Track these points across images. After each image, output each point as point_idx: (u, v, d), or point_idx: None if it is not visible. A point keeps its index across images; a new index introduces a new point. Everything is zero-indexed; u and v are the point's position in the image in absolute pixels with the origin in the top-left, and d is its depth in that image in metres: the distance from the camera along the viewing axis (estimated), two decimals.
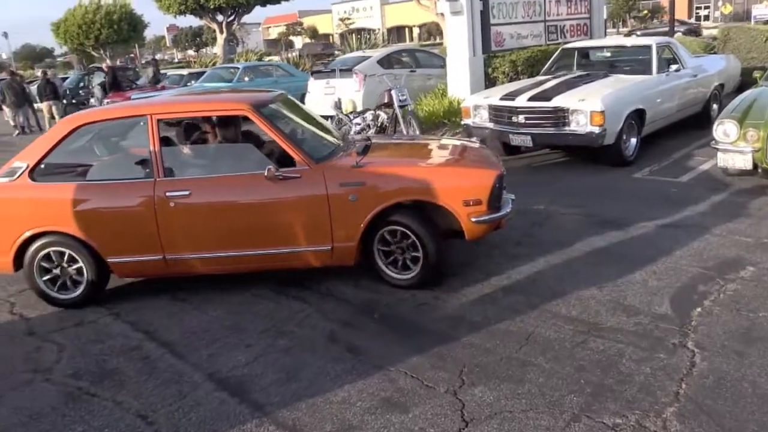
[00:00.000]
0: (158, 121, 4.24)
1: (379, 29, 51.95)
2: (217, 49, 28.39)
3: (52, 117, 15.91)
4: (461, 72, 10.28)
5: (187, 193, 4.14)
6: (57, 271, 4.40)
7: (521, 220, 5.52)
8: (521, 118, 7.29)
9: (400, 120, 8.71)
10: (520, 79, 9.86)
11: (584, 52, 9.42)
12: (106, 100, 17.60)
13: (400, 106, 8.76)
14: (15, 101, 16.29)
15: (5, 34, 60.89)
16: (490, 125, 7.71)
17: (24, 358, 3.85)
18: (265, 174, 4.01)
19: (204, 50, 50.45)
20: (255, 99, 4.53)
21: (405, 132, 8.66)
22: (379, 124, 9.08)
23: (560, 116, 7.03)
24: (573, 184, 6.72)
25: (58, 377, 3.56)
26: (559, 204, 5.98)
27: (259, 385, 3.29)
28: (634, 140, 7.44)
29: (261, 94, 5.21)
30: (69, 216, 4.22)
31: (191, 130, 4.80)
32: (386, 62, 11.80)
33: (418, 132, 8.38)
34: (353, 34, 37.75)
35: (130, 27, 33.17)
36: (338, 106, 9.79)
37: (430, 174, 4.23)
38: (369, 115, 9.23)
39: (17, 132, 16.58)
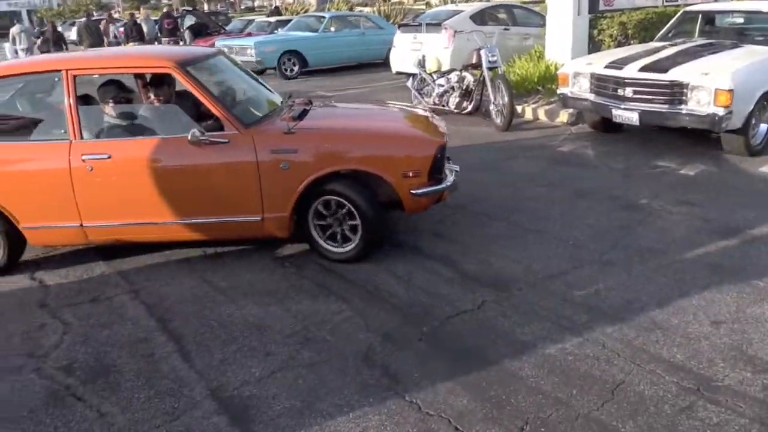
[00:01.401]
0: (74, 77, 3.86)
1: None
2: None
3: None
4: (562, 33, 9.08)
5: (105, 156, 3.79)
6: None
7: (619, 213, 4.59)
8: (628, 92, 6.18)
9: (488, 84, 7.76)
10: (630, 45, 8.59)
11: (710, 17, 7.97)
12: (193, 45, 17.52)
13: (489, 68, 7.80)
14: (92, 42, 16.50)
15: None
16: (590, 97, 6.65)
17: (25, 336, 3.42)
18: (189, 138, 3.68)
19: None
20: (181, 56, 4.15)
21: (492, 98, 7.72)
22: (464, 87, 8.17)
23: (676, 92, 5.88)
24: (682, 175, 5.63)
25: (50, 368, 3.09)
26: (665, 199, 4.95)
27: (267, 413, 2.67)
28: (765, 127, 6.20)
29: (192, 50, 4.96)
30: None
31: (114, 88, 4.19)
32: (479, 18, 10.73)
33: (506, 98, 7.42)
34: None
35: None
36: (421, 64, 8.93)
37: (367, 142, 4.00)
38: (454, 76, 8.32)
39: None
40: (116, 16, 18.63)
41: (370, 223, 3.89)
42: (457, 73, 8.32)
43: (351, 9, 21.19)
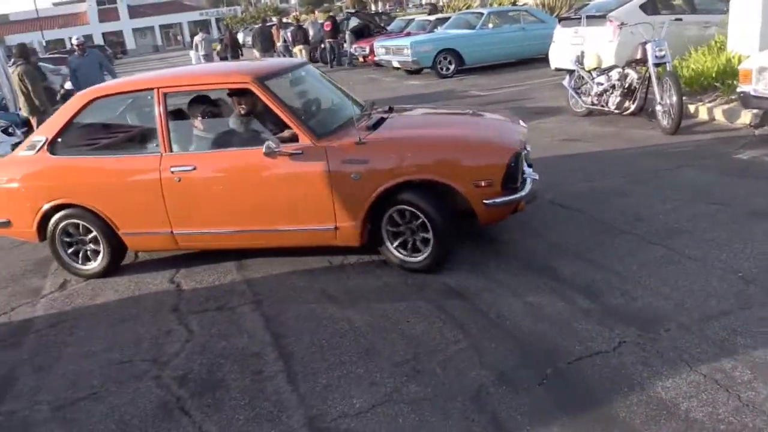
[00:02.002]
0: (164, 94, 4.12)
1: None
2: None
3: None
4: (749, 20, 7.88)
5: (191, 168, 4.00)
6: (76, 242, 4.50)
7: None
8: None
9: (654, 81, 6.95)
10: None
11: None
12: (354, 46, 18.00)
13: (656, 65, 6.98)
14: (262, 46, 17.61)
15: None
16: None
17: (153, 341, 3.57)
18: (264, 150, 3.78)
19: None
20: (261, 70, 4.30)
21: (658, 97, 6.90)
22: (626, 86, 7.41)
23: None
24: None
25: (167, 377, 3.18)
26: None
27: None
28: None
29: (275, 63, 5.08)
30: (83, 189, 4.26)
31: (200, 103, 4.46)
32: (651, 6, 9.68)
33: (675, 97, 6.58)
34: None
35: None
36: (579, 60, 8.27)
37: (437, 151, 3.87)
38: (615, 74, 7.58)
39: None
40: (286, 21, 19.67)
41: (441, 234, 3.83)
42: (619, 70, 7.57)
43: (514, 3, 20.43)
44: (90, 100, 4.35)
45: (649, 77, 7.03)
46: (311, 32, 18.10)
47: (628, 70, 7.42)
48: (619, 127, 7.34)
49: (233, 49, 21.12)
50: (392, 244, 4.00)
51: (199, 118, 4.36)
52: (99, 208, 4.25)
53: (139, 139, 4.54)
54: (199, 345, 3.47)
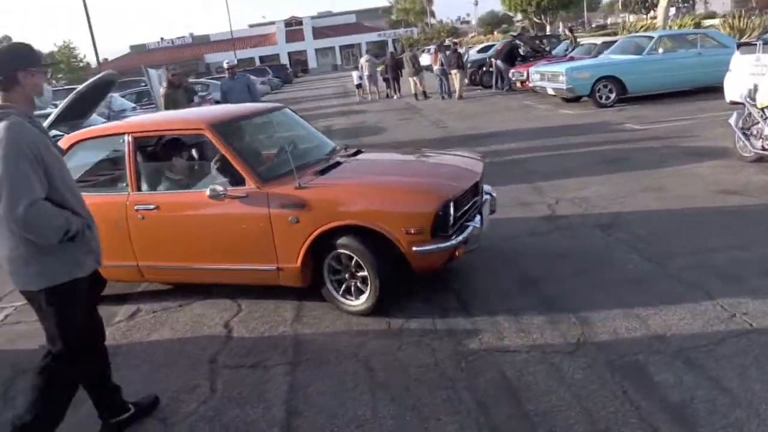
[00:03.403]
0: (135, 138, 4.42)
1: None
2: (659, 11, 25.08)
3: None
4: None
5: (152, 207, 4.25)
6: None
7: None
8: None
9: None
10: None
11: None
12: (512, 71, 17.28)
13: None
14: (413, 70, 17.68)
15: (475, 2, 66.94)
16: None
17: (173, 397, 3.33)
18: (208, 193, 3.98)
19: (650, 14, 46.00)
20: (214, 117, 4.53)
21: None
22: None
23: None
24: None
25: None
26: None
27: None
28: None
29: (232, 109, 5.42)
30: None
31: (168, 146, 4.79)
32: None
33: None
34: None
35: None
36: (751, 95, 6.94)
37: (370, 198, 3.95)
38: None
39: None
40: (448, 43, 19.55)
41: (380, 280, 3.83)
42: None
43: (698, 25, 18.38)
44: (74, 143, 4.69)
45: None
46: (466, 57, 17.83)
47: None
48: None
49: (393, 70, 21.47)
50: (335, 289, 4.08)
51: (169, 161, 4.67)
52: None
53: (117, 178, 4.85)
54: (212, 409, 3.17)
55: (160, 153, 4.84)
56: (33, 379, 2.72)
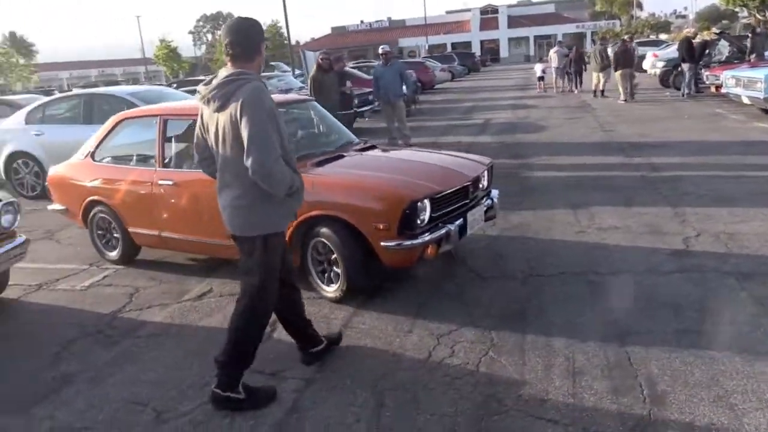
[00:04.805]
0: (164, 121, 4.88)
1: None
2: None
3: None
4: None
5: (171, 182, 4.72)
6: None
7: None
8: None
9: None
10: None
11: None
12: (706, 73, 15.23)
13: None
14: (600, 65, 17.05)
15: None
16: None
17: (182, 392, 3.23)
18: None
19: None
20: None
21: None
22: None
23: None
24: None
25: None
26: None
27: None
28: None
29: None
30: (107, 189, 5.19)
31: (189, 129, 4.87)
32: None
33: None
34: None
35: None
36: None
37: (348, 191, 4.12)
38: None
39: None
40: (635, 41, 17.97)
41: (348, 265, 4.02)
42: None
43: None
44: (118, 121, 5.33)
45: None
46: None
47: None
48: None
49: (577, 64, 20.32)
50: (316, 273, 4.29)
51: (184, 142, 4.92)
52: (114, 206, 5.15)
53: (145, 155, 5.25)
54: (207, 413, 3.00)
55: (182, 134, 5.07)
56: (232, 322, 3.01)
